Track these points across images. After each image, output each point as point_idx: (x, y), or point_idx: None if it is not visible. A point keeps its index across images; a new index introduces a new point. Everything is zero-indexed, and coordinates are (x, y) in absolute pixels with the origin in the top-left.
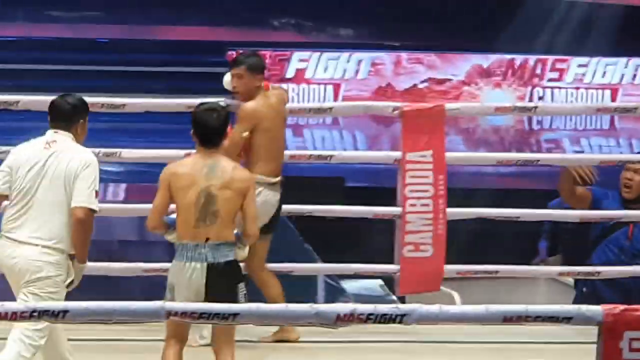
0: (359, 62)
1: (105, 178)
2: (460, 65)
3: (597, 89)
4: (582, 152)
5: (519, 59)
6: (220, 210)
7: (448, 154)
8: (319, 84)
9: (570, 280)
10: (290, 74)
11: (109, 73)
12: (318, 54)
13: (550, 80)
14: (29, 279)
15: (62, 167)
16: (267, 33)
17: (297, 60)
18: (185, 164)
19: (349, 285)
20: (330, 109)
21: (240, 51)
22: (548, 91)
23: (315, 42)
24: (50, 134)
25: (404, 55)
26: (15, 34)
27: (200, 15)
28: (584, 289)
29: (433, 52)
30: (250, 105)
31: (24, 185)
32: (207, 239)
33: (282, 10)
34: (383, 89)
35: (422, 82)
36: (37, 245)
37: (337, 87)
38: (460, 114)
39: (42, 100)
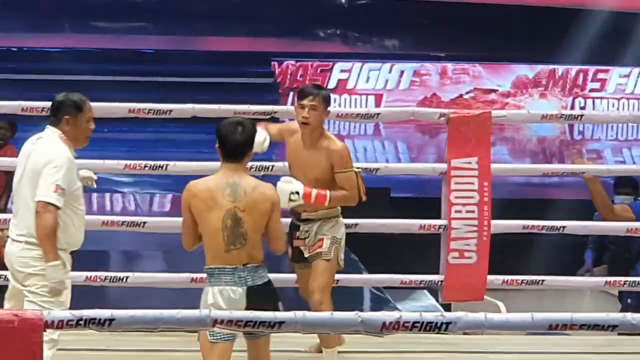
0: (401, 72)
1: (153, 190)
2: (505, 76)
3: (638, 99)
4: (624, 162)
5: (560, 69)
6: (247, 231)
7: (493, 165)
8: (360, 94)
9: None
10: (332, 84)
11: (154, 84)
12: (360, 64)
13: (591, 90)
14: (21, 276)
15: (32, 163)
16: (312, 44)
17: (339, 70)
18: (206, 184)
19: (404, 307)
20: (378, 114)
21: (288, 62)
22: (590, 101)
23: (361, 53)
24: (45, 130)
25: (449, 65)
26: (61, 44)
27: (245, 26)
28: (629, 300)
29: (478, 62)
30: (345, 145)
31: (15, 180)
32: (246, 263)
33: (328, 21)
34: (428, 100)
35: (468, 92)
36: (20, 242)
37: (379, 97)
38: (507, 121)
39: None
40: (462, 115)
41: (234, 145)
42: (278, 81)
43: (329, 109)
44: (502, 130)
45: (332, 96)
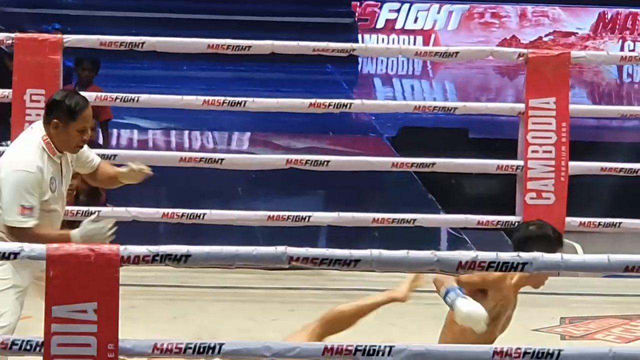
0: (450, 13)
1: (230, 127)
2: (585, 19)
3: None
4: None
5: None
6: None
7: (571, 106)
8: (408, 34)
9: None
10: (380, 24)
11: (233, 23)
12: (408, 4)
13: None
14: None
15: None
16: None
17: (387, 10)
18: None
19: None
20: (457, 53)
21: (367, 3)
22: (638, 44)
23: None
24: (35, 124)
25: (528, 8)
26: None
27: None
28: None
29: (558, 5)
30: None
31: None
32: None
33: None
34: (507, 42)
35: (547, 35)
36: None
37: (427, 37)
38: (586, 62)
39: (168, 42)
40: (541, 55)
41: None
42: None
43: None
44: (582, 74)
45: (380, 36)
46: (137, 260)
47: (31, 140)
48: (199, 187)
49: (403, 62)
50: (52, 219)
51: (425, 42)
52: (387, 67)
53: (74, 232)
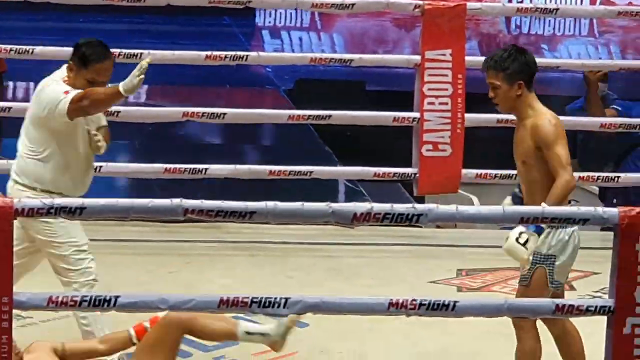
0: None
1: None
2: None
3: None
4: (560, 57)
5: None
6: None
7: (468, 58)
8: None
9: (594, 188)
10: None
11: None
12: None
13: None
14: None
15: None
16: None
17: None
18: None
19: None
20: (353, 5)
21: None
22: None
23: None
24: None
25: None
26: None
27: None
28: (615, 200)
29: None
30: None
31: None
32: None
33: None
34: None
35: None
36: (11, 179)
37: None
38: (482, 14)
39: None
40: (437, 7)
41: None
42: None
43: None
44: (478, 25)
45: None
46: (31, 212)
47: (55, 77)
48: None
49: (291, 13)
50: (72, 160)
51: None
52: (275, 19)
53: (121, 84)
